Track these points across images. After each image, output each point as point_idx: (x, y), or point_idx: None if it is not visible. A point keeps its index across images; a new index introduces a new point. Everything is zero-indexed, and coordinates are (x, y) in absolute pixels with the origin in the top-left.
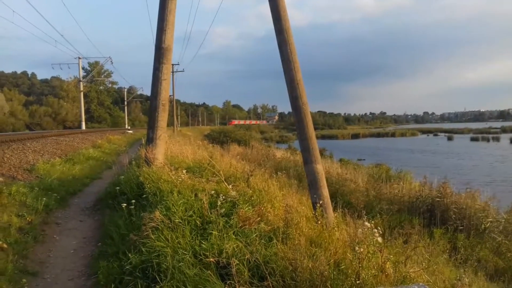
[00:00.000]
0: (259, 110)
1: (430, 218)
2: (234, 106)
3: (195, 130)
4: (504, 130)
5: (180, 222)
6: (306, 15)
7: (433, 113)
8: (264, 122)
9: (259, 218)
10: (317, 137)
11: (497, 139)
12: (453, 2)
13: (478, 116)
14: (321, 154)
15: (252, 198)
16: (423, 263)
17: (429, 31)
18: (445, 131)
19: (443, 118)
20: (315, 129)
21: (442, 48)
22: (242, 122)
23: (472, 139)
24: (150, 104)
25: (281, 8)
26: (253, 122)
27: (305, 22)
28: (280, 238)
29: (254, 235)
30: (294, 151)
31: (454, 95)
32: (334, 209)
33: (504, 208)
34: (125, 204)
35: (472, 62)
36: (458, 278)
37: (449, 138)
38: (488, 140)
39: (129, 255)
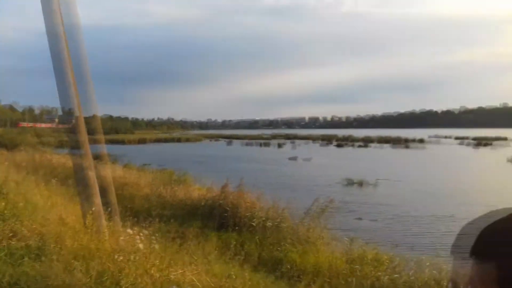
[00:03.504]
0: (37, 112)
1: (209, 220)
2: (5, 106)
3: None
4: (273, 137)
5: None
6: (95, 15)
7: (215, 120)
8: (53, 125)
9: (11, 234)
10: (105, 142)
11: (267, 145)
12: (244, 19)
13: (253, 124)
14: (102, 159)
15: (5, 212)
16: (192, 264)
17: (219, 44)
18: (225, 136)
19: (224, 125)
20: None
21: (226, 59)
22: (31, 124)
23: (247, 144)
24: None
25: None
26: (43, 125)
27: (93, 22)
28: (34, 255)
29: (2, 254)
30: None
31: (235, 104)
32: (111, 217)
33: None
34: None
35: (250, 75)
36: (227, 275)
37: (228, 143)
38: (260, 145)
39: None
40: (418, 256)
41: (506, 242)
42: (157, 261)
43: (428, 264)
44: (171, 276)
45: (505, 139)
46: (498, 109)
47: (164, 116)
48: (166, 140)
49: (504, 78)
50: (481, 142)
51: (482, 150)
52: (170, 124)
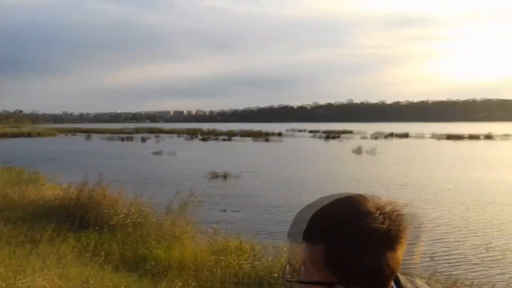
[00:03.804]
0: None
1: (67, 220)
2: None
3: None
4: (137, 131)
5: None
6: None
7: (72, 113)
8: None
9: None
10: None
11: (130, 139)
12: (98, 6)
13: (115, 117)
14: None
15: None
16: (44, 269)
17: (75, 31)
18: (84, 131)
19: (82, 118)
20: None
21: (83, 48)
22: None
23: (109, 139)
24: None
25: None
26: None
27: None
28: None
29: None
30: None
31: (93, 96)
32: None
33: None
34: None
35: (109, 65)
36: (84, 279)
37: (87, 138)
38: (122, 140)
39: None
40: (277, 243)
41: (330, 225)
42: (1, 269)
43: (285, 249)
44: (19, 284)
45: (350, 132)
46: (344, 105)
47: (11, 108)
48: (13, 135)
49: (349, 77)
50: (330, 135)
51: (332, 142)
52: (18, 117)
